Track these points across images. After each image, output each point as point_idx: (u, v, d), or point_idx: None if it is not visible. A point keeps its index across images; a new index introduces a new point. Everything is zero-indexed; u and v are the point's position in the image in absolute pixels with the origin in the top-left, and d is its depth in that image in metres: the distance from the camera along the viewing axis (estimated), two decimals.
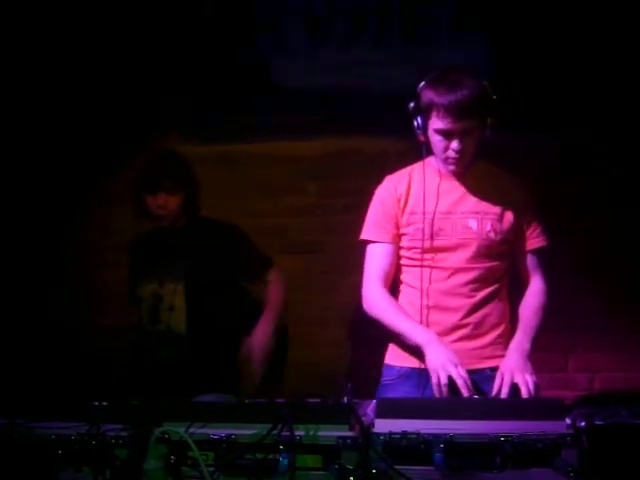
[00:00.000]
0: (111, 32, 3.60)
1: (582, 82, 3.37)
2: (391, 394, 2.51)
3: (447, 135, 2.38)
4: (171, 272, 2.91)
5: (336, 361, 3.49)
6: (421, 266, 2.50)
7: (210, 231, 2.97)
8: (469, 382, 2.29)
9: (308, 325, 3.52)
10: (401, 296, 2.60)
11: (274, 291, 2.97)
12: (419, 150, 2.49)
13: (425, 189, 2.50)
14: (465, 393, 2.26)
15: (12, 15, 3.51)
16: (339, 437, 1.70)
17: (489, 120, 2.39)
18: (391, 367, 2.58)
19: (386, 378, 2.57)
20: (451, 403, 2.08)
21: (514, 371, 2.34)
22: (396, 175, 2.62)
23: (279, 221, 3.72)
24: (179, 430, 1.64)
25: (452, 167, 2.47)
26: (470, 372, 2.41)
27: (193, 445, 1.59)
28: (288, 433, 1.68)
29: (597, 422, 1.78)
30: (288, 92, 3.67)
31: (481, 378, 2.45)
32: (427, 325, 2.48)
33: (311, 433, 1.71)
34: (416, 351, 2.44)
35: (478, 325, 2.49)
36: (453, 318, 2.49)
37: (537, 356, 3.32)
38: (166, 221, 2.95)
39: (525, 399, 2.26)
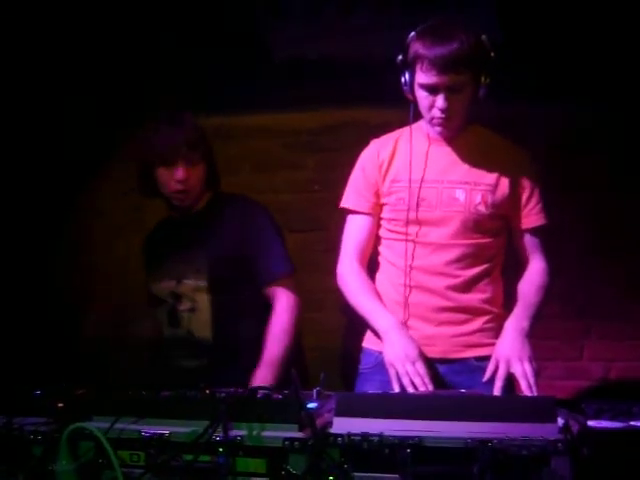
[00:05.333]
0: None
1: (593, 52, 3.07)
2: (368, 384, 2.30)
3: (432, 91, 2.13)
4: (190, 266, 2.44)
5: (330, 349, 3.26)
6: (402, 240, 2.26)
7: (233, 214, 2.48)
8: (426, 381, 2.06)
9: (308, 311, 3.29)
10: (380, 272, 2.37)
11: (277, 318, 2.41)
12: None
13: (411, 155, 2.25)
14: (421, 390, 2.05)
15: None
16: (286, 439, 1.46)
17: (483, 78, 2.12)
18: (369, 352, 2.36)
19: (364, 365, 2.36)
20: (422, 400, 1.79)
21: (511, 359, 2.08)
22: (382, 139, 2.40)
23: (276, 197, 3.48)
24: (91, 426, 1.41)
25: (438, 128, 2.22)
26: (451, 362, 2.23)
27: (107, 444, 1.36)
28: (233, 432, 1.45)
29: (595, 425, 1.52)
30: (286, 61, 3.45)
31: (464, 369, 2.21)
32: (406, 307, 2.25)
33: (254, 433, 1.47)
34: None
35: (463, 309, 2.24)
36: (435, 300, 2.24)
37: (550, 344, 3.11)
38: (186, 199, 2.45)
39: (509, 396, 1.99)
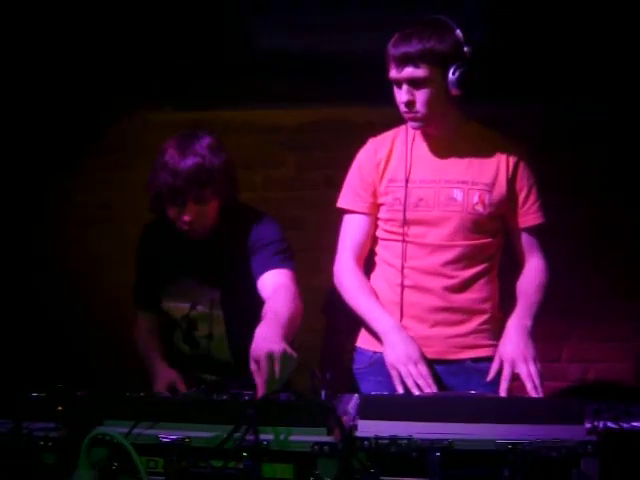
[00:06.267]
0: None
1: (581, 52, 3.10)
2: (364, 383, 2.27)
3: (397, 85, 2.18)
4: (204, 292, 2.29)
5: (311, 349, 3.20)
6: (399, 241, 2.25)
7: (243, 234, 2.26)
8: (429, 382, 2.05)
9: None
10: (376, 272, 2.34)
11: (275, 293, 2.11)
12: None
13: (407, 154, 2.24)
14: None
15: None
16: (315, 443, 1.40)
17: (452, 74, 2.12)
18: (363, 352, 2.33)
19: (358, 365, 2.33)
20: (449, 402, 1.77)
21: (515, 359, 2.06)
22: (379, 138, 2.37)
23: (255, 195, 3.39)
24: (114, 432, 1.33)
25: (413, 124, 2.21)
26: (447, 363, 2.21)
27: (132, 450, 1.28)
28: (253, 437, 1.39)
29: (624, 426, 1.51)
30: (268, 57, 3.40)
31: (460, 370, 2.20)
32: (403, 307, 2.23)
33: (281, 437, 1.41)
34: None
35: (459, 310, 2.23)
36: (431, 301, 2.22)
37: None
38: (196, 235, 2.24)
39: (536, 398, 1.97)
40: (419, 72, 2.12)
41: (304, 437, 1.42)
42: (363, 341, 2.33)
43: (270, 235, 2.26)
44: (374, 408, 1.54)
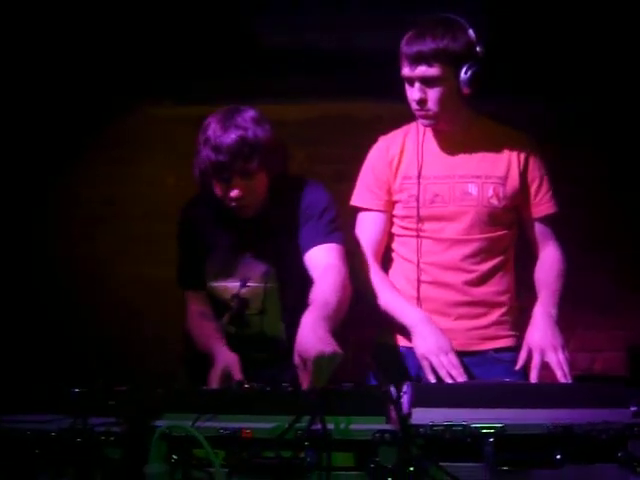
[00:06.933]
0: None
1: (585, 50, 3.15)
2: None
3: (409, 83, 2.20)
4: (256, 266, 2.22)
5: None
6: (416, 237, 2.28)
7: (294, 205, 2.21)
8: (461, 371, 2.08)
9: None
10: (394, 269, 2.37)
11: (323, 276, 2.06)
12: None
13: (420, 151, 2.28)
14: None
15: None
16: (376, 431, 1.43)
17: (464, 73, 2.15)
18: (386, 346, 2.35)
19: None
20: (497, 389, 1.81)
21: (545, 347, 2.12)
22: (390, 135, 2.40)
23: None
24: (186, 425, 1.35)
25: (424, 121, 2.25)
26: (470, 354, 2.25)
27: (205, 443, 1.30)
28: (316, 426, 1.41)
29: None
30: (273, 53, 3.40)
31: (482, 361, 2.24)
32: (423, 302, 2.27)
33: (342, 426, 1.44)
34: (408, 331, 2.23)
35: (480, 302, 2.27)
36: (451, 295, 2.26)
37: None
38: (246, 212, 2.18)
39: (583, 384, 2.02)
40: (432, 71, 2.14)
41: (364, 426, 1.45)
42: (386, 337, 2.36)
43: (319, 203, 2.21)
44: (426, 396, 1.58)
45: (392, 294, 2.28)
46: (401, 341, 2.30)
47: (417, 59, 2.14)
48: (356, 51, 3.38)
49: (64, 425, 1.47)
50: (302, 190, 2.24)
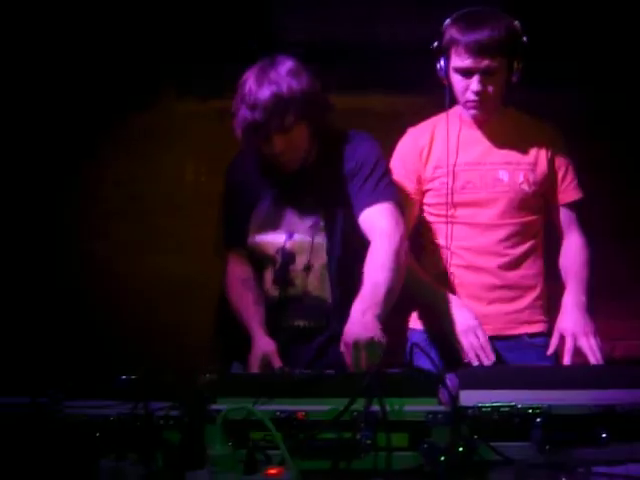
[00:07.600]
0: None
1: (607, 39, 3.17)
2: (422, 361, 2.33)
3: (466, 74, 2.22)
4: (303, 219, 2.18)
5: None
6: (449, 222, 2.34)
7: (342, 157, 2.18)
8: (488, 352, 2.16)
9: None
10: (427, 255, 2.42)
11: (377, 244, 2.01)
12: (437, 107, 2.35)
13: (450, 140, 2.33)
14: (485, 363, 2.14)
15: None
16: (429, 412, 1.47)
17: (516, 64, 2.19)
18: (416, 331, 2.42)
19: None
20: (536, 371, 1.87)
21: (577, 334, 2.18)
22: (418, 127, 2.46)
23: None
24: (250, 407, 1.39)
25: (473, 111, 2.30)
26: (505, 339, 2.31)
27: (270, 424, 1.34)
28: (372, 408, 1.46)
29: None
30: (290, 45, 3.41)
31: (517, 345, 2.29)
32: (457, 287, 2.32)
33: (396, 408, 1.49)
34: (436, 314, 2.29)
35: (514, 286, 2.33)
36: (486, 279, 2.32)
37: None
38: (291, 165, 2.15)
39: (622, 366, 2.08)
40: (495, 63, 2.17)
41: (417, 407, 1.49)
42: (415, 322, 2.41)
43: (369, 157, 2.17)
44: (472, 378, 1.62)
45: (421, 277, 2.33)
46: (430, 326, 2.33)
47: (479, 51, 2.15)
48: (373, 43, 3.41)
49: (124, 410, 1.51)
50: (350, 143, 2.20)
